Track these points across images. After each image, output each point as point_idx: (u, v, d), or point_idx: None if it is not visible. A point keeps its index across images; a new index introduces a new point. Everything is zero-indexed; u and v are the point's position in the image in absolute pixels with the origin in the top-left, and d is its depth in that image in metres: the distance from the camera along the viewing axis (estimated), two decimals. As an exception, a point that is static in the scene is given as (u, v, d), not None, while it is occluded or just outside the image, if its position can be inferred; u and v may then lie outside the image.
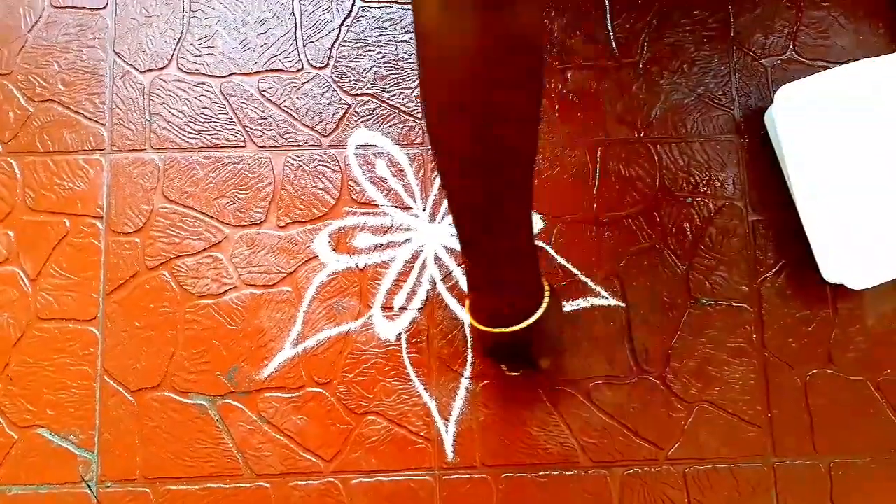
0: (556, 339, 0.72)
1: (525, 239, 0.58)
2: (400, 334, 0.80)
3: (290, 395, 0.79)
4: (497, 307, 0.63)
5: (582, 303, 0.81)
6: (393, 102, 0.84)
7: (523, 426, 0.79)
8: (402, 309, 0.81)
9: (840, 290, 0.80)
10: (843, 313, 0.81)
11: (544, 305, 0.63)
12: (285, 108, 0.84)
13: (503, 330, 0.64)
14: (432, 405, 0.79)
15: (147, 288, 0.81)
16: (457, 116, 0.47)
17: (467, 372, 0.79)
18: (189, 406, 0.79)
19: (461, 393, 0.79)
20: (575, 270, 0.81)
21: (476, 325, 0.66)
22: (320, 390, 0.79)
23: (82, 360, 0.79)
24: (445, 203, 0.82)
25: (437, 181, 0.82)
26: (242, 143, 0.83)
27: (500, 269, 0.59)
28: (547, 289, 0.65)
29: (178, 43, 0.85)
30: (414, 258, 0.82)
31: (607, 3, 0.86)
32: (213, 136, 0.83)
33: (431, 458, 0.78)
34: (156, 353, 0.79)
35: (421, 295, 0.81)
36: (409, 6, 0.84)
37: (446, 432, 0.78)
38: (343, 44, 0.85)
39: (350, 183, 0.83)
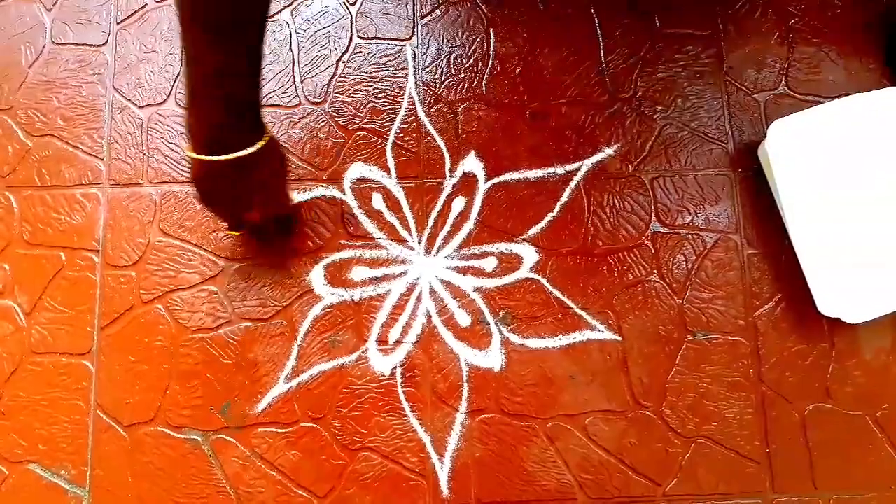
0: (273, 191, 0.71)
1: (252, 57, 0.61)
2: (395, 368, 0.80)
3: (283, 431, 0.78)
4: (214, 126, 0.62)
5: (577, 336, 0.81)
6: (389, 137, 0.85)
7: (520, 462, 0.78)
8: (398, 342, 0.80)
9: (837, 323, 0.80)
10: (840, 347, 0.81)
11: (261, 142, 0.64)
12: (282, 143, 0.84)
13: (216, 158, 0.63)
14: (427, 441, 0.78)
15: (142, 322, 0.80)
16: None
17: (463, 407, 0.79)
18: (182, 441, 0.78)
19: (457, 428, 0.78)
20: (570, 303, 0.81)
21: (191, 154, 0.64)
22: (314, 425, 0.78)
23: (75, 394, 0.79)
24: (441, 235, 0.82)
25: (433, 214, 0.83)
26: (239, 177, 0.84)
27: (223, 81, 0.60)
28: (268, 133, 0.66)
29: (176, 78, 0.86)
30: (409, 291, 0.82)
31: (600, 38, 0.87)
32: (210, 170, 0.84)
33: (426, 494, 0.77)
34: (149, 387, 0.79)
35: (416, 328, 0.81)
36: (405, 42, 0.85)
37: (441, 468, 0.77)
38: (340, 79, 0.86)
39: (346, 216, 0.83)
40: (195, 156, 0.64)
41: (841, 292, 0.78)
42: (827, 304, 0.78)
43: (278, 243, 0.81)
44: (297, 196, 0.83)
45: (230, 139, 0.63)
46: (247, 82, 0.62)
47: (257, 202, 0.70)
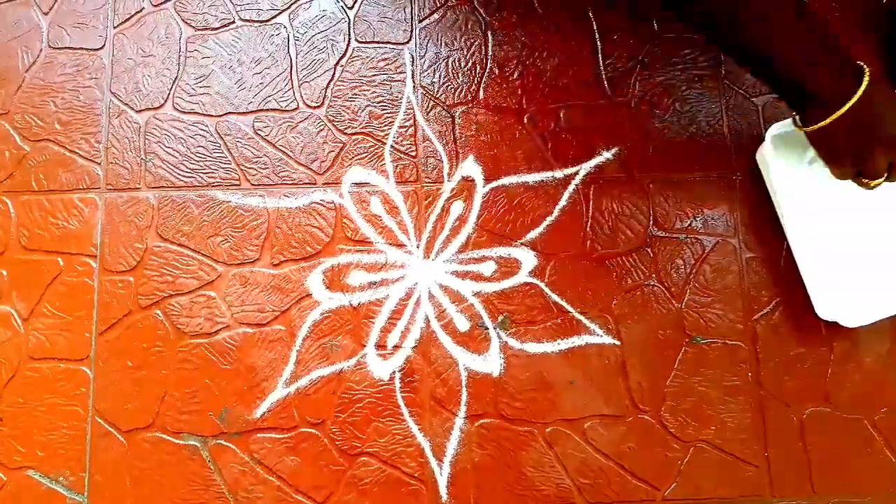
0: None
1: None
2: (394, 373, 0.80)
3: (282, 436, 0.78)
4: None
5: (577, 340, 0.81)
6: (387, 141, 0.85)
7: (518, 467, 0.78)
8: (396, 347, 0.80)
9: (835, 327, 0.80)
10: (838, 351, 0.81)
11: (867, 74, 0.63)
12: (280, 147, 0.84)
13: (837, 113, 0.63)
14: (426, 446, 0.78)
15: (140, 327, 0.80)
16: None
17: (462, 412, 0.79)
18: (180, 447, 0.78)
19: (455, 433, 0.78)
20: (569, 307, 0.81)
21: (818, 125, 0.65)
22: (313, 431, 0.78)
23: (74, 400, 0.79)
24: (440, 240, 0.82)
25: (432, 218, 0.82)
26: (237, 182, 0.83)
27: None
28: (866, 69, 0.64)
29: (174, 82, 0.86)
30: (408, 296, 0.81)
31: (599, 42, 0.87)
32: (208, 175, 0.84)
33: (425, 499, 0.77)
34: (148, 392, 0.79)
35: (415, 333, 0.80)
36: (403, 46, 0.85)
37: (440, 473, 0.77)
38: (338, 83, 0.86)
39: (344, 221, 0.83)
40: (805, 129, 0.66)
41: (839, 296, 0.78)
42: (825, 308, 0.78)
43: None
44: (295, 201, 0.83)
45: (833, 92, 0.64)
46: (830, 35, 0.64)
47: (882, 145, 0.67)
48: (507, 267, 0.82)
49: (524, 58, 0.87)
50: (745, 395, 0.80)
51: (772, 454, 0.79)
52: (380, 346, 0.80)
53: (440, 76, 0.86)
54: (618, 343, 0.81)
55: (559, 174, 0.84)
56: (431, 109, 0.85)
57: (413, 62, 0.86)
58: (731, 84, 0.87)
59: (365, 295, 0.81)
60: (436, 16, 0.88)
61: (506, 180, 0.84)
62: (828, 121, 0.65)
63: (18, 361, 0.80)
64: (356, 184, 0.84)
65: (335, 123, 0.85)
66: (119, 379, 0.79)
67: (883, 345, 0.81)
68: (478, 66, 0.86)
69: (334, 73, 0.86)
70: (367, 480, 0.77)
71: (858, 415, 0.80)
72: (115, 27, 0.88)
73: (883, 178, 0.69)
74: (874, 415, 0.80)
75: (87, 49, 0.87)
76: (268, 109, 0.85)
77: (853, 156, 0.67)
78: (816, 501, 0.78)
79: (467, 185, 0.84)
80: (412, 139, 0.85)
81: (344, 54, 0.87)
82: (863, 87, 0.63)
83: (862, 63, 0.65)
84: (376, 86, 0.86)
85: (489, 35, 0.87)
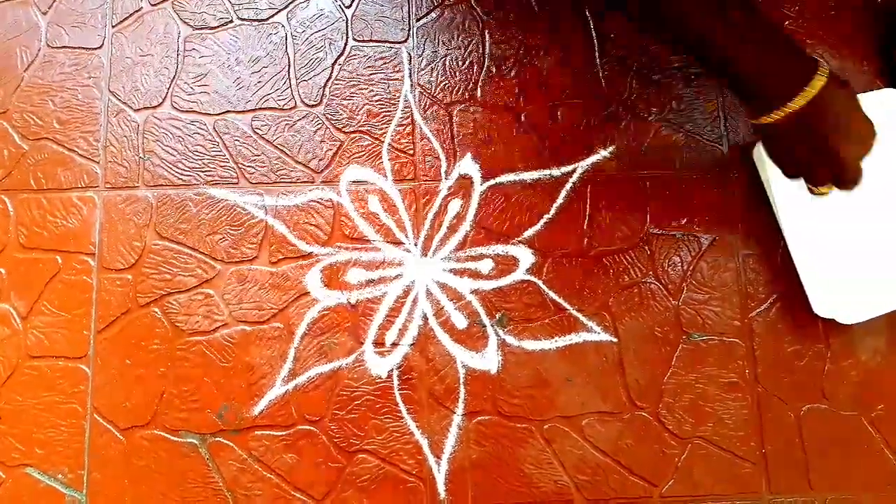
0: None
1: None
2: (392, 370, 0.80)
3: (280, 433, 0.78)
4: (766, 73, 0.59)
5: (574, 338, 0.81)
6: (385, 139, 0.85)
7: (516, 463, 0.78)
8: (394, 345, 0.80)
9: (832, 324, 0.80)
10: (835, 348, 0.81)
11: (823, 76, 0.58)
12: (278, 146, 0.85)
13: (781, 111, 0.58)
14: (424, 443, 0.78)
15: (138, 325, 0.80)
16: None
17: (460, 409, 0.79)
18: (179, 444, 0.78)
19: (453, 430, 0.79)
20: (566, 305, 0.81)
21: (761, 121, 0.61)
22: (311, 428, 0.78)
23: (72, 397, 0.79)
24: (437, 238, 0.82)
25: (429, 216, 0.83)
26: (235, 180, 0.84)
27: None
28: (822, 66, 0.59)
29: (172, 81, 0.86)
30: (406, 293, 0.82)
31: (595, 41, 0.87)
32: (206, 173, 0.84)
33: (423, 496, 0.77)
34: (146, 390, 0.79)
35: (413, 330, 0.81)
36: (400, 45, 0.85)
37: (438, 470, 0.78)
38: (336, 82, 0.86)
39: (342, 219, 0.83)
40: (755, 121, 0.62)
41: (836, 293, 0.78)
42: (822, 305, 0.78)
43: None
44: (293, 199, 0.83)
45: (786, 84, 0.59)
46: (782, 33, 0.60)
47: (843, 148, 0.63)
48: (505, 265, 0.82)
49: (521, 56, 0.87)
50: (741, 391, 0.80)
51: (769, 451, 0.79)
52: (378, 343, 0.80)
53: (438, 75, 0.86)
54: (615, 340, 0.81)
55: (556, 172, 0.84)
56: (429, 108, 0.86)
57: (410, 61, 0.87)
58: (727, 82, 0.87)
59: (363, 293, 0.81)
60: (433, 15, 0.88)
61: (503, 178, 0.84)
62: (766, 120, 0.60)
63: (17, 359, 0.80)
64: (354, 182, 0.84)
65: (333, 122, 0.85)
66: (117, 377, 0.79)
67: (880, 341, 0.81)
68: (475, 65, 0.87)
69: (332, 72, 0.87)
70: (366, 477, 0.77)
71: (855, 412, 0.80)
72: (113, 26, 0.88)
73: (827, 189, 0.65)
74: (871, 412, 0.80)
75: (85, 48, 0.87)
76: (266, 108, 0.86)
77: (794, 164, 0.64)
78: (814, 498, 0.78)
79: (465, 183, 0.84)
80: (410, 137, 0.85)
81: (342, 53, 0.87)
82: (812, 90, 0.58)
83: (820, 60, 0.60)
84: (374, 84, 0.86)
85: (486, 34, 0.87)
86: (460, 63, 0.87)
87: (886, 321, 0.81)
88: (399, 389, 0.79)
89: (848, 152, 0.61)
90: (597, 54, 0.87)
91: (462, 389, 0.79)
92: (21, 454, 0.78)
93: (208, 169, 0.84)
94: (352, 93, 0.86)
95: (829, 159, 0.62)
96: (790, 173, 0.66)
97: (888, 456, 0.79)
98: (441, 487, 0.77)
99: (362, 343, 0.80)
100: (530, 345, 0.80)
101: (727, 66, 0.60)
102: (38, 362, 0.80)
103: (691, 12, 0.58)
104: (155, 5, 0.88)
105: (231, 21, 0.88)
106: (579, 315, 0.81)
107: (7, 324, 0.80)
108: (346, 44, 0.87)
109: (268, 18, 0.88)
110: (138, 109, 0.86)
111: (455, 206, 0.83)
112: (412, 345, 0.80)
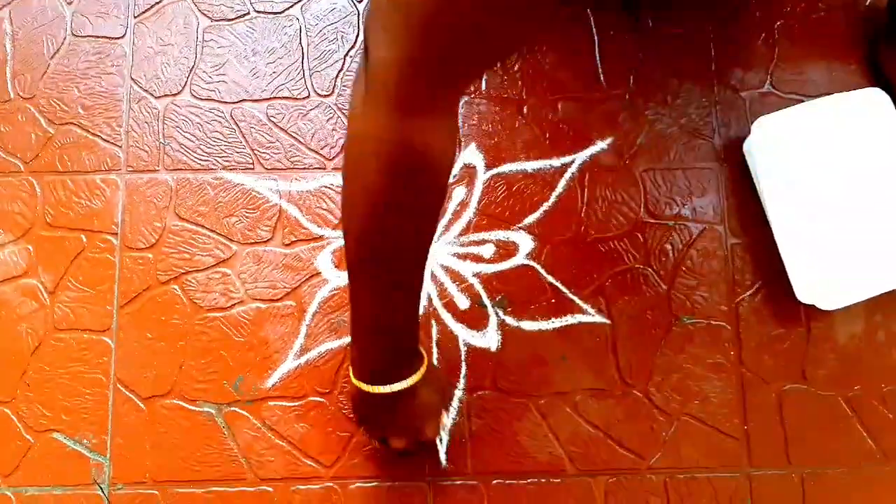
0: (423, 419, 0.73)
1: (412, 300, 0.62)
2: (397, 347, 0.84)
3: (292, 404, 0.83)
4: (376, 364, 0.66)
5: (569, 319, 0.86)
6: (393, 128, 0.89)
7: (513, 436, 0.83)
8: (400, 323, 0.85)
9: (813, 310, 0.85)
10: (815, 332, 0.86)
11: (417, 375, 0.67)
12: (292, 133, 0.89)
13: (378, 390, 0.65)
14: (427, 415, 0.83)
15: (159, 301, 0.85)
16: (361, 208, 0.53)
17: (461, 384, 0.84)
18: (197, 413, 0.83)
19: (455, 403, 0.83)
20: (563, 288, 0.86)
21: (354, 381, 0.68)
22: (321, 400, 0.83)
23: (96, 368, 0.84)
24: (442, 223, 0.87)
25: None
26: (251, 166, 0.88)
27: (381, 336, 0.63)
28: (424, 365, 0.68)
29: (191, 70, 0.91)
30: (411, 275, 0.86)
31: (596, 38, 0.92)
32: (224, 159, 0.88)
33: (426, 465, 0.82)
34: (166, 362, 0.84)
35: (418, 310, 0.85)
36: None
37: (440, 441, 0.82)
38: (347, 73, 0.90)
39: (352, 204, 0.87)
40: (357, 383, 0.67)
41: (817, 281, 0.82)
42: (804, 291, 0.83)
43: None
44: (306, 184, 0.87)
45: (390, 375, 0.66)
46: (407, 334, 0.66)
47: (407, 428, 0.73)
48: (506, 249, 0.87)
49: (525, 51, 0.91)
50: (727, 372, 0.85)
51: (751, 427, 0.84)
52: (385, 322, 0.85)
53: (445, 68, 0.90)
54: (608, 322, 0.86)
55: (556, 162, 0.89)
56: (436, 99, 0.90)
57: (419, 54, 0.91)
58: (720, 79, 0.91)
59: (371, 274, 0.86)
60: (441, 10, 0.92)
61: (506, 168, 0.89)
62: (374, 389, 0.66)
63: (44, 332, 0.84)
64: (364, 169, 0.88)
65: (344, 111, 0.89)
66: (139, 349, 0.84)
67: (857, 327, 0.86)
68: (480, 59, 0.91)
69: (344, 64, 0.91)
70: (372, 446, 0.82)
71: (833, 392, 0.85)
72: (135, 17, 0.92)
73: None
74: (847, 392, 0.85)
75: (108, 38, 0.92)
76: (280, 97, 0.90)
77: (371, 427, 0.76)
78: (791, 472, 0.83)
79: (469, 171, 0.88)
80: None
81: (353, 45, 0.91)
82: (406, 384, 0.66)
83: (423, 354, 0.69)
84: (384, 76, 0.90)
85: (492, 29, 0.91)
86: (466, 57, 0.91)
87: (864, 308, 0.85)
88: (404, 365, 0.84)
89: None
90: (597, 51, 0.91)
91: (463, 366, 0.84)
92: (48, 420, 0.83)
93: (225, 154, 0.88)
94: (363, 84, 0.90)
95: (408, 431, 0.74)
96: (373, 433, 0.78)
97: (862, 433, 0.84)
98: (443, 456, 0.82)
99: (370, 321, 0.85)
100: (529, 325, 0.85)
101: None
102: (64, 335, 0.84)
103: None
104: (175, -3, 0.92)
105: (248, 13, 0.92)
106: (575, 298, 0.86)
107: (35, 298, 0.85)
108: (357, 36, 0.91)
109: (283, 11, 0.92)
110: (159, 97, 0.90)
111: (459, 193, 0.88)
112: (417, 323, 0.85)
